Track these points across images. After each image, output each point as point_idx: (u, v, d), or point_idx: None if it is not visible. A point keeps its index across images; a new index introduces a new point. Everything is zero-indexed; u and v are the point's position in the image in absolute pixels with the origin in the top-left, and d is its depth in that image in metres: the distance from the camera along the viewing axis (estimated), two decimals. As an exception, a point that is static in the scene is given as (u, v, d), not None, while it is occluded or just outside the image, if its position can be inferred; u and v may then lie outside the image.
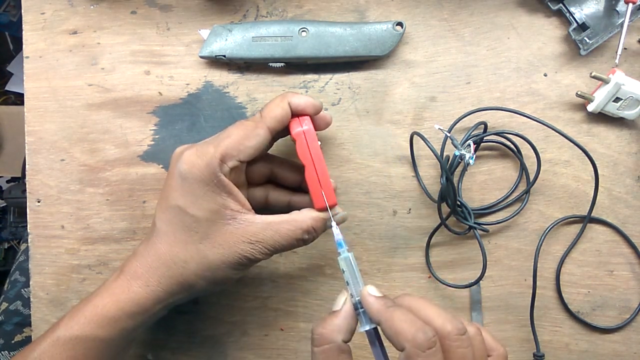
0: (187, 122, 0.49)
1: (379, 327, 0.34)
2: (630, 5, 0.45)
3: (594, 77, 0.46)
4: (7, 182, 1.43)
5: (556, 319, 0.49)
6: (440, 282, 0.48)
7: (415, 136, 0.47)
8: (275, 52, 0.47)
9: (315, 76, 0.49)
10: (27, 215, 0.49)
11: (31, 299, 0.49)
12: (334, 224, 0.39)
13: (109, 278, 0.40)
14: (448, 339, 0.30)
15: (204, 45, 0.48)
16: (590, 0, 0.47)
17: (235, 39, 0.47)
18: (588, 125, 0.49)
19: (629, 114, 0.47)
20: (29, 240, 0.49)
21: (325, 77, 0.49)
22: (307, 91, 0.49)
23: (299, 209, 0.41)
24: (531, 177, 0.48)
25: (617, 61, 0.46)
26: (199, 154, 0.38)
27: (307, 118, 0.40)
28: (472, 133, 0.47)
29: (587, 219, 0.48)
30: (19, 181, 1.40)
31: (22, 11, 0.50)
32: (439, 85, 0.49)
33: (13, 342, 0.73)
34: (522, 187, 0.49)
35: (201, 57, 0.48)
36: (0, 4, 1.42)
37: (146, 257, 0.39)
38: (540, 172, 0.47)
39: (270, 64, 0.48)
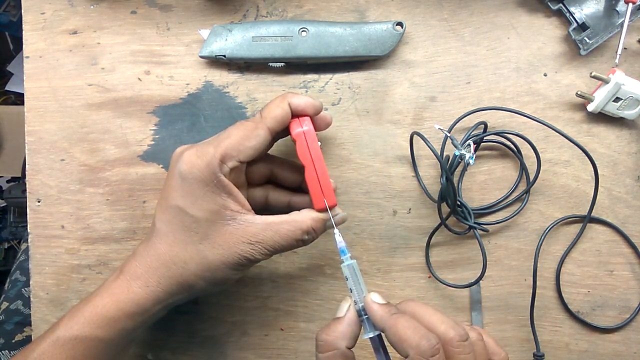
0: (187, 122, 0.49)
1: (382, 334, 0.34)
2: (630, 5, 0.45)
3: (594, 77, 0.46)
4: (7, 182, 1.43)
5: (556, 318, 0.49)
6: (440, 282, 0.48)
7: (415, 136, 0.47)
8: (275, 52, 0.47)
9: (315, 76, 0.49)
10: (27, 215, 0.49)
11: (31, 299, 0.49)
12: (336, 231, 0.39)
13: (108, 278, 0.40)
14: (451, 345, 0.31)
15: (204, 45, 0.48)
16: (590, 0, 0.47)
17: (235, 39, 0.47)
18: (588, 125, 0.49)
19: (629, 114, 0.47)
20: (29, 240, 0.49)
21: (325, 77, 0.49)
22: (307, 91, 0.49)
23: (298, 209, 0.41)
24: (531, 177, 0.48)
25: (617, 61, 0.46)
26: (199, 154, 0.38)
27: (307, 118, 0.40)
28: (472, 133, 0.47)
29: (587, 219, 0.48)
30: (19, 181, 1.40)
31: (22, 11, 0.50)
32: (439, 85, 0.49)
33: (13, 341, 0.73)
34: (522, 187, 0.49)
35: (201, 57, 0.48)
36: (0, 4, 1.42)
37: (146, 258, 0.39)
38: (540, 172, 0.47)
39: (270, 64, 0.48)
